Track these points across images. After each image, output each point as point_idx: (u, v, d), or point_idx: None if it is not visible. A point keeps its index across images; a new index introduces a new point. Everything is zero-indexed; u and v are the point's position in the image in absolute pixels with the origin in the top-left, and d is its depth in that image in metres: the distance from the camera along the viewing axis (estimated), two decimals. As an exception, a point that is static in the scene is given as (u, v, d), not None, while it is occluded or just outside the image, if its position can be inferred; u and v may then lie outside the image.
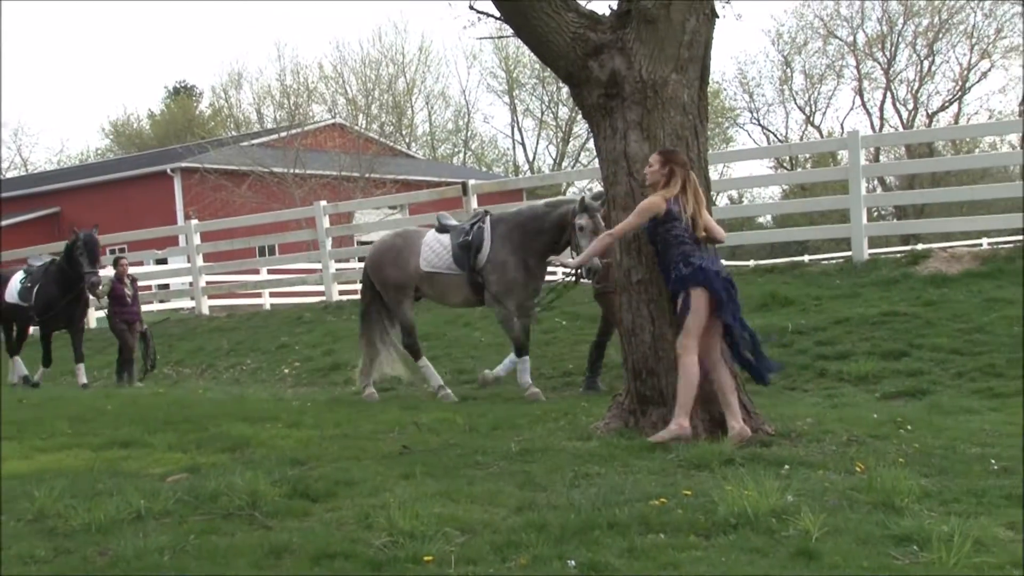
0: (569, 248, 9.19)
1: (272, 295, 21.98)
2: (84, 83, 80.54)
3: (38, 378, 13.18)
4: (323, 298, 17.46)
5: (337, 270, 18.05)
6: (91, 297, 13.07)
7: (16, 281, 13.30)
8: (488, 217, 9.76)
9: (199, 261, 18.56)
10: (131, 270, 14.04)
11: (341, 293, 18.11)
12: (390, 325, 10.16)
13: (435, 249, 9.77)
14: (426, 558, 4.04)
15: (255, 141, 35.26)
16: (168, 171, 33.20)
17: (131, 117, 60.88)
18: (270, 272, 21.51)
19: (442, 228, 9.97)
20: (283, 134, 34.73)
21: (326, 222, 17.40)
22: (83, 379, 12.91)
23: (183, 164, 32.76)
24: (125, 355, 13.02)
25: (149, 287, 20.80)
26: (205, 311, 18.51)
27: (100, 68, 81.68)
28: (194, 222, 19.68)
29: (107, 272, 13.63)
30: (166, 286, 21.40)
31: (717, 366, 6.42)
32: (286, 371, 12.81)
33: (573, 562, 3.96)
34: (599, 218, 8.68)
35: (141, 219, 27.41)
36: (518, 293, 9.41)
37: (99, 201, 33.49)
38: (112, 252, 18.38)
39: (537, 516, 4.52)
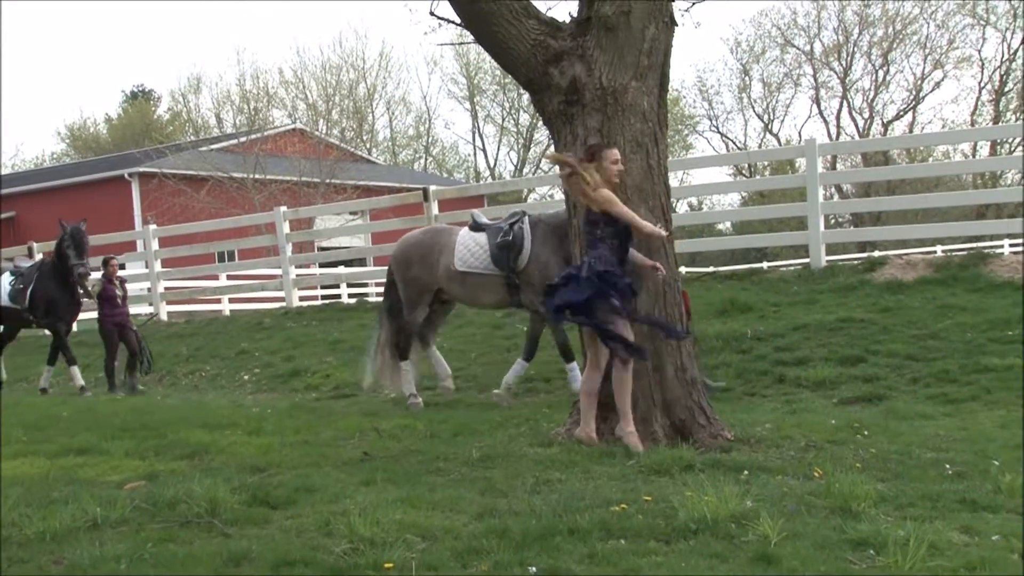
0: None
1: (232, 301, 21.78)
2: (39, 86, 79.46)
3: (80, 382, 12.53)
4: (283, 304, 17.35)
5: (297, 276, 17.94)
6: (83, 299, 12.73)
7: (4, 283, 12.79)
8: (527, 217, 9.39)
9: (157, 266, 18.36)
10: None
11: (301, 299, 18.02)
12: (429, 326, 9.91)
13: (470, 248, 9.39)
14: (387, 565, 4.02)
15: (214, 146, 34.98)
16: (126, 176, 32.82)
17: (88, 121, 60.21)
18: (229, 278, 21.34)
19: (476, 227, 9.55)
20: (243, 139, 34.45)
21: (286, 227, 17.29)
22: (80, 380, 12.52)
23: (141, 169, 32.40)
24: (109, 356, 12.66)
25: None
26: (164, 317, 18.31)
27: (56, 71, 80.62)
28: (152, 227, 19.48)
29: (95, 274, 13.35)
30: (123, 292, 21.09)
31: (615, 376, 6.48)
32: (246, 377, 12.71)
33: (534, 568, 3.97)
34: None
35: (98, 224, 26.92)
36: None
37: (56, 206, 32.93)
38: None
39: (498, 522, 4.52)
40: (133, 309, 20.99)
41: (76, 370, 12.57)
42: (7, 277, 12.88)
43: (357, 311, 15.44)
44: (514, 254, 9.16)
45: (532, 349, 9.64)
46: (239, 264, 21.14)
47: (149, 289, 18.69)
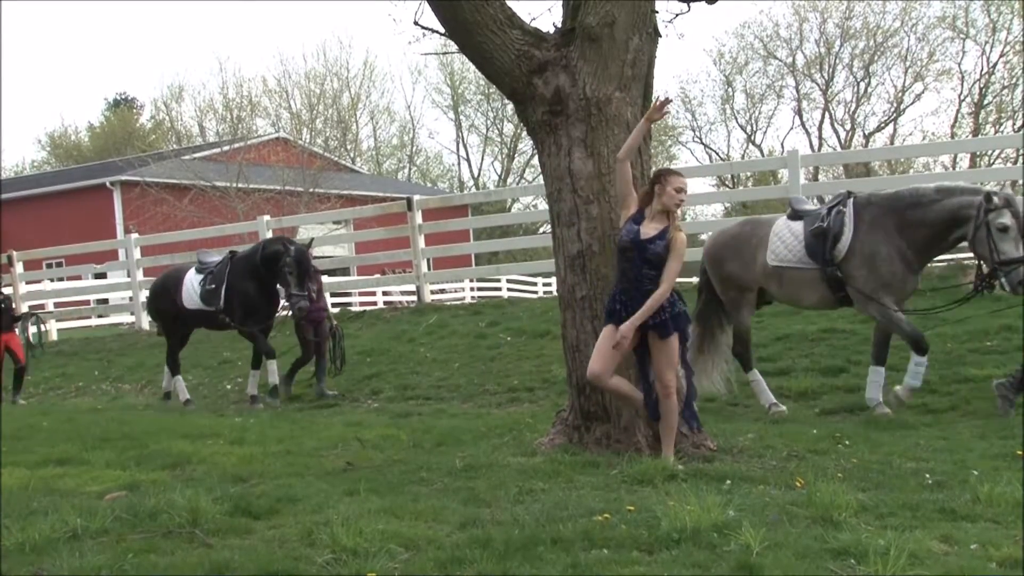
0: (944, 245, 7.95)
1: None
2: (19, 93, 79.00)
3: (279, 384, 11.44)
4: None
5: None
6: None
7: (194, 283, 11.53)
8: (852, 200, 8.14)
9: (139, 276, 18.28)
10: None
11: (283, 308, 17.93)
12: (724, 332, 8.85)
13: (785, 239, 8.31)
14: (370, 575, 4.02)
15: (197, 155, 34.86)
16: (108, 184, 32.68)
17: (69, 129, 59.88)
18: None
19: (795, 214, 8.46)
20: (226, 148, 34.37)
21: (269, 236, 17.23)
22: (275, 378, 11.33)
23: (123, 177, 32.26)
24: (306, 357, 11.63)
25: (88, 302, 20.48)
26: (145, 326, 18.22)
27: (36, 78, 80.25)
28: (134, 236, 19.39)
29: None
30: (105, 301, 21.01)
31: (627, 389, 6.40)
32: (228, 387, 12.66)
33: (517, 578, 3.97)
34: None
35: (80, 233, 26.90)
36: (896, 288, 7.91)
37: (36, 214, 32.85)
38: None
39: (481, 532, 4.52)
40: (112, 320, 21.02)
41: (274, 365, 11.37)
42: (195, 276, 11.62)
43: (340, 320, 15.41)
44: (831, 243, 7.99)
45: (884, 353, 8.29)
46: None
47: (131, 298, 18.59)
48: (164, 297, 11.93)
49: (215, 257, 11.82)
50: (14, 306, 13.34)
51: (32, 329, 13.84)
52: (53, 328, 18.40)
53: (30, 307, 14.25)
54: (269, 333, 11.69)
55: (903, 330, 7.96)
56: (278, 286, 11.20)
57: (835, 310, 9.37)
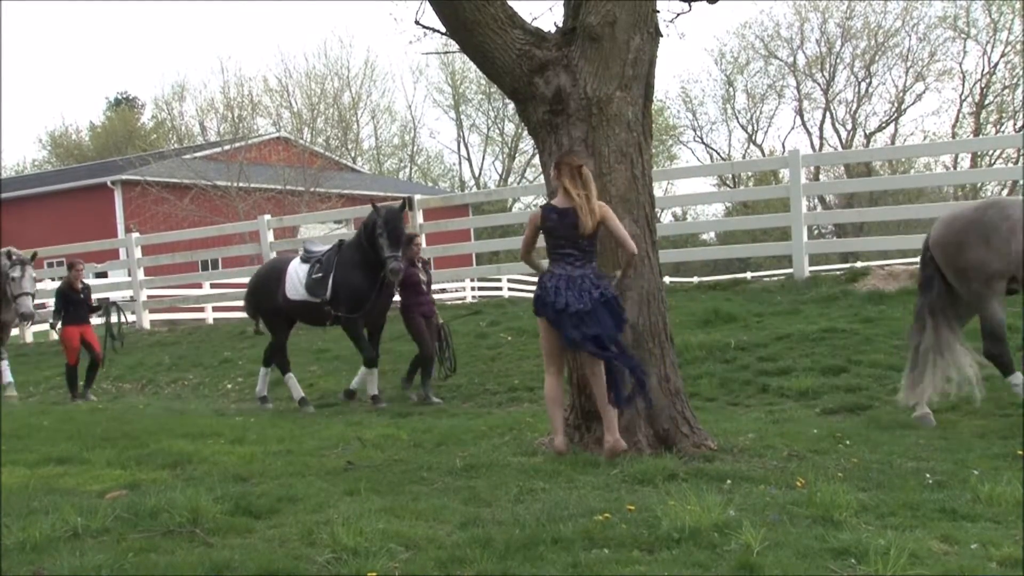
0: None
1: (215, 309, 21.72)
2: (20, 92, 79.04)
3: (356, 384, 10.84)
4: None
5: (281, 284, 17.87)
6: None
7: (299, 272, 10.74)
8: None
9: (140, 275, 18.29)
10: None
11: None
12: (954, 330, 7.83)
13: None
14: (370, 574, 4.02)
15: (198, 154, 34.85)
16: (108, 183, 32.69)
17: (70, 128, 59.91)
18: (213, 286, 21.26)
19: None
20: (227, 147, 34.37)
21: (270, 236, 17.28)
22: (374, 388, 10.55)
23: (124, 176, 32.27)
24: (426, 355, 10.64)
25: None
26: (146, 325, 18.24)
27: (37, 77, 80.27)
28: (135, 235, 19.42)
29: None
30: (106, 299, 20.99)
31: (592, 379, 6.44)
32: (229, 386, 12.66)
33: (517, 577, 3.97)
34: None
35: (81, 232, 26.92)
36: None
37: (37, 213, 32.86)
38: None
39: (482, 532, 4.52)
40: (112, 318, 20.91)
41: (374, 374, 10.62)
42: (300, 265, 10.81)
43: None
44: None
45: None
46: (222, 272, 21.03)
47: (132, 298, 18.60)
48: (265, 289, 11.07)
49: (321, 246, 11.11)
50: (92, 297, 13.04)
51: (112, 319, 13.30)
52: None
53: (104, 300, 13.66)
54: (380, 333, 10.89)
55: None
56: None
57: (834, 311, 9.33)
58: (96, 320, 13.74)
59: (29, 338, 18.26)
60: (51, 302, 14.07)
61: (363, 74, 48.88)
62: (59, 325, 12.53)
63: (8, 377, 12.91)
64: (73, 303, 12.54)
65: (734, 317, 11.52)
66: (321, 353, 13.18)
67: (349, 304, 10.37)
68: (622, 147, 6.68)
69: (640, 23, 6.70)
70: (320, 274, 10.52)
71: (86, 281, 13.11)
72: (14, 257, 12.43)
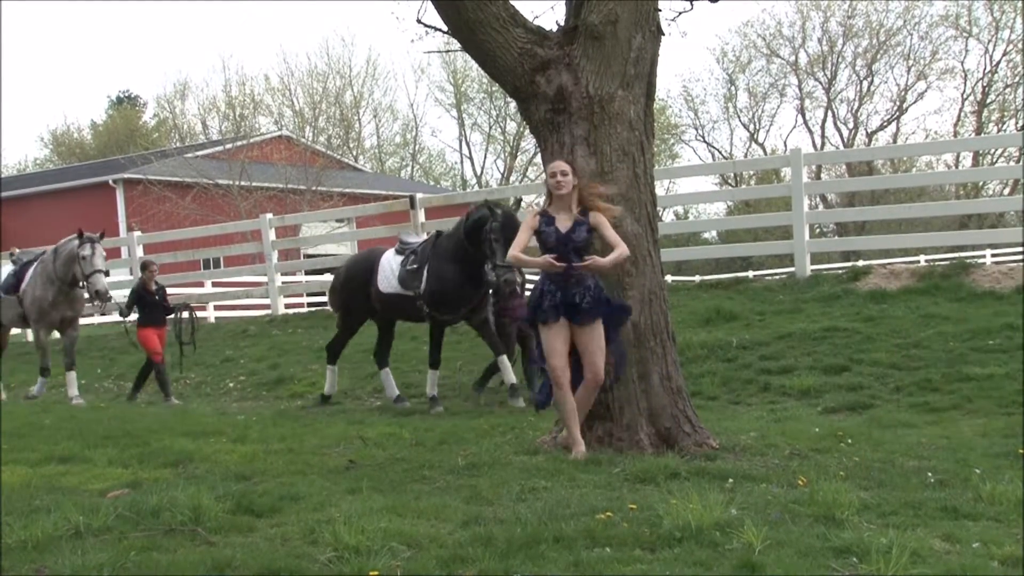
0: None
1: (217, 308, 21.72)
2: (22, 91, 79.09)
3: (431, 391, 10.04)
4: (269, 311, 17.31)
5: (283, 283, 17.91)
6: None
7: (392, 264, 10.16)
8: None
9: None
10: None
11: (287, 306, 17.98)
12: None
13: None
14: (372, 573, 4.01)
15: (200, 153, 34.90)
16: (110, 182, 32.71)
17: (72, 127, 59.95)
18: (215, 285, 21.27)
19: None
20: (229, 146, 34.40)
21: (272, 235, 17.28)
22: (510, 376, 9.88)
23: (126, 175, 32.30)
24: (529, 355, 9.62)
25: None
26: (147, 324, 18.22)
27: (39, 75, 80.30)
28: (137, 234, 19.42)
29: None
30: (182, 303, 20.99)
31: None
32: (231, 385, 12.67)
33: (519, 576, 3.97)
34: None
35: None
36: None
37: (39, 212, 32.88)
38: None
39: (484, 530, 4.52)
40: (114, 317, 20.94)
41: (505, 360, 9.94)
42: (394, 257, 10.26)
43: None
44: None
45: None
46: (224, 271, 21.05)
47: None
48: (356, 282, 10.55)
49: (416, 238, 10.64)
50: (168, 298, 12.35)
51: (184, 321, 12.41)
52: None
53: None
54: (488, 329, 10.10)
55: None
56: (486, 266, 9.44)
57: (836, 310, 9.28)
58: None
59: (30, 337, 18.25)
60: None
61: (365, 73, 48.91)
62: (130, 321, 12.09)
63: (73, 390, 12.01)
64: (148, 304, 11.98)
65: (736, 316, 11.52)
66: (322, 352, 13.17)
67: (448, 300, 9.71)
68: (624, 146, 6.67)
69: (642, 22, 6.70)
70: (415, 266, 9.97)
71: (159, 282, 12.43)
72: (84, 235, 11.71)
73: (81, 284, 11.89)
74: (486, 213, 9.36)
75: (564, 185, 6.41)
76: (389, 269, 10.17)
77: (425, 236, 10.31)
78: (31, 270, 12.22)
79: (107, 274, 12.07)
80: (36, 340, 12.20)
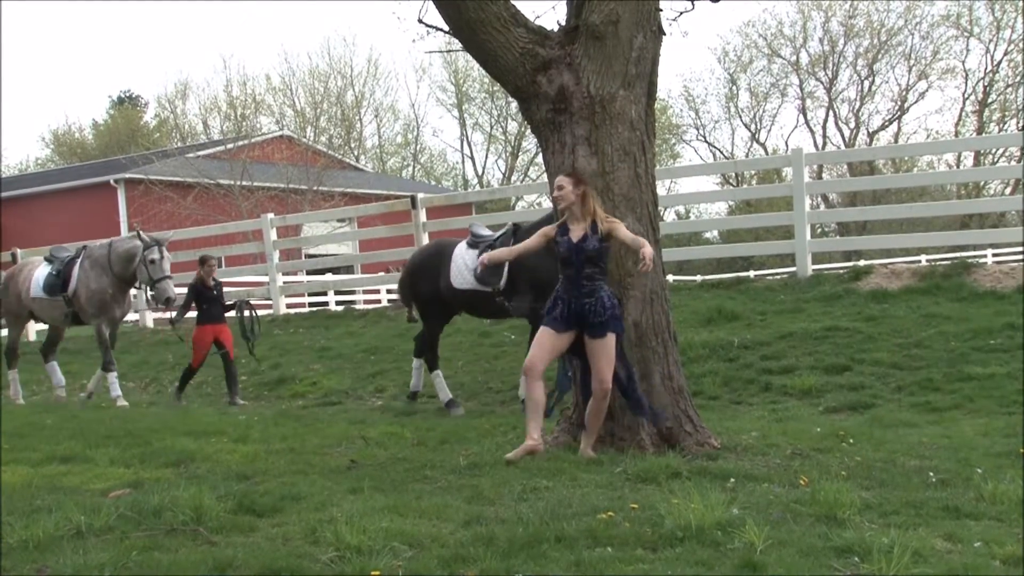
0: None
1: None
2: (23, 91, 79.10)
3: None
4: (270, 311, 17.31)
5: (284, 283, 17.92)
6: None
7: (467, 258, 9.64)
8: None
9: (142, 273, 18.25)
10: None
11: (288, 306, 17.98)
12: None
13: None
14: (373, 573, 4.02)
15: (201, 152, 34.86)
16: (112, 182, 32.67)
17: (73, 127, 59.90)
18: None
19: None
20: (230, 146, 34.39)
21: (273, 235, 17.28)
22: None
23: (127, 175, 32.26)
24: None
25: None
26: (149, 324, 18.26)
27: (40, 75, 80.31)
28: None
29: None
30: (242, 300, 20.97)
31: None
32: (231, 385, 12.63)
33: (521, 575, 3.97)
34: None
35: (84, 231, 26.90)
36: None
37: (40, 212, 32.87)
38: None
39: (485, 530, 4.52)
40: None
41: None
42: (467, 250, 9.74)
43: (344, 319, 15.44)
44: None
45: None
46: (225, 271, 21.00)
47: (134, 296, 18.59)
48: (426, 275, 10.08)
49: (488, 231, 10.12)
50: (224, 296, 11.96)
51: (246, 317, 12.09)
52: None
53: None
54: None
55: None
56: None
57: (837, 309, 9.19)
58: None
59: (32, 336, 18.26)
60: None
61: (366, 72, 48.83)
62: (180, 323, 11.71)
63: (116, 390, 11.51)
64: (207, 300, 11.58)
65: (737, 316, 11.52)
66: (324, 352, 13.19)
67: (532, 295, 8.92)
68: (625, 146, 6.67)
69: (643, 21, 6.70)
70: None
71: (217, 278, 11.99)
72: (151, 237, 11.28)
73: (139, 286, 11.58)
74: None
75: (563, 198, 6.37)
76: (463, 263, 9.64)
77: (502, 229, 9.77)
78: (76, 268, 11.78)
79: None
80: (97, 335, 11.74)
